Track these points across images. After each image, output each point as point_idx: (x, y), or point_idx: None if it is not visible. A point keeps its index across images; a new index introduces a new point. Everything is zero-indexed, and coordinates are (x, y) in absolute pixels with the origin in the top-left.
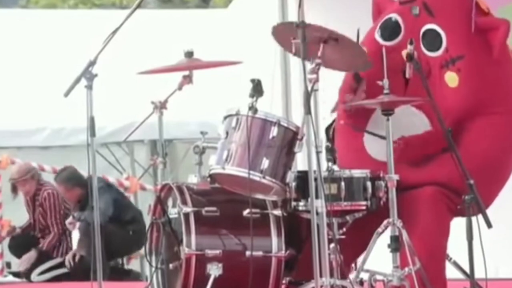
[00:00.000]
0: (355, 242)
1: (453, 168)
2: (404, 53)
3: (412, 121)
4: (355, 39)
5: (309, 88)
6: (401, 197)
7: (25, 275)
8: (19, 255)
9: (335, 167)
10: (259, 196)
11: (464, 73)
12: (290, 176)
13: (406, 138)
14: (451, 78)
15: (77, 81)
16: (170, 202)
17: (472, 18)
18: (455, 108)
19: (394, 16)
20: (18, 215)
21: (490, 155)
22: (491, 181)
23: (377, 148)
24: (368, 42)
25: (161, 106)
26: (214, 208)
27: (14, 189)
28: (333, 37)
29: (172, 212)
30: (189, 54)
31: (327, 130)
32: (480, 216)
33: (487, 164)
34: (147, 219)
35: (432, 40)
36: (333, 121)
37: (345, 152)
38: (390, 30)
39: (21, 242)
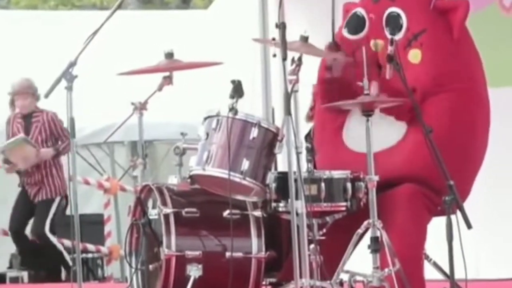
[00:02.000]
0: (335, 243)
1: (429, 162)
2: (372, 42)
3: (386, 133)
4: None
5: (289, 89)
6: (380, 196)
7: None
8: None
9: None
10: (239, 197)
11: (426, 46)
12: (270, 177)
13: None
14: (415, 55)
15: (57, 82)
16: (150, 203)
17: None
18: (419, 82)
19: (358, 10)
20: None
21: (455, 131)
22: (461, 160)
23: (355, 139)
24: (339, 39)
25: (141, 107)
26: (194, 209)
27: (12, 103)
28: None
29: (152, 213)
30: (169, 55)
31: (306, 138)
32: (460, 217)
33: (453, 140)
34: (127, 220)
35: (394, 23)
36: (310, 129)
37: (323, 145)
38: (355, 23)
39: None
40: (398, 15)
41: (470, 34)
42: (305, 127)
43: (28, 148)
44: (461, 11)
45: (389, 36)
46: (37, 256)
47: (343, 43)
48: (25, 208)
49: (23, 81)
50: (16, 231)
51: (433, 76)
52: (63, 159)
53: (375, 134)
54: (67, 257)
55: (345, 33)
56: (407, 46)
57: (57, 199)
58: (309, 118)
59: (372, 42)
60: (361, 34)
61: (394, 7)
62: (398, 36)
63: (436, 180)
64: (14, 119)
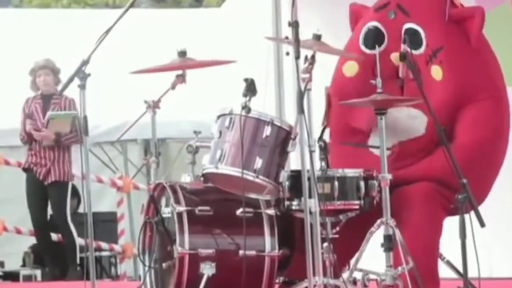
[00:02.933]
0: (348, 241)
1: (446, 163)
2: (393, 56)
3: (411, 123)
4: (347, 39)
5: (302, 88)
6: (394, 194)
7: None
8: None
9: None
10: (253, 195)
11: (445, 63)
12: (284, 176)
13: (402, 143)
14: (436, 71)
15: (70, 80)
16: (163, 202)
17: (446, 11)
18: (444, 101)
19: (374, 23)
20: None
21: (484, 141)
22: (487, 167)
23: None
24: (352, 51)
25: (154, 106)
26: (207, 208)
27: (34, 83)
28: None
29: (165, 212)
30: (182, 54)
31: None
32: (473, 215)
33: (482, 151)
34: (141, 219)
35: (414, 38)
36: (325, 125)
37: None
38: (373, 38)
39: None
40: (416, 32)
41: (487, 41)
42: (318, 126)
43: (68, 126)
44: (478, 19)
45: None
46: (52, 253)
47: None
48: (39, 198)
49: (47, 59)
50: (40, 228)
51: (456, 91)
52: (75, 155)
53: (402, 124)
54: (78, 254)
55: (363, 47)
56: (428, 62)
57: (69, 185)
58: (326, 122)
59: (392, 55)
60: (380, 48)
61: (411, 23)
62: (419, 51)
63: (454, 180)
64: (33, 99)
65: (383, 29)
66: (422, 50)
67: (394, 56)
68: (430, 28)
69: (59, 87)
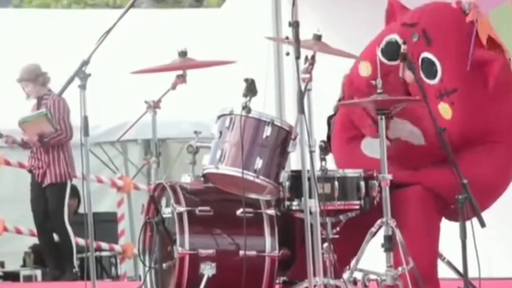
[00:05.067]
0: (348, 241)
1: (442, 176)
2: (401, 50)
3: (410, 133)
4: (347, 39)
5: (303, 88)
6: (392, 195)
7: None
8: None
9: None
10: (253, 195)
11: (457, 106)
12: (284, 176)
13: (403, 141)
14: (445, 110)
15: (71, 80)
16: (163, 202)
17: (470, 53)
18: (451, 141)
19: (396, 37)
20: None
21: (485, 180)
22: (490, 201)
23: (372, 147)
24: (370, 53)
25: (154, 106)
26: (207, 208)
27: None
28: None
29: (166, 212)
30: (183, 54)
31: (329, 118)
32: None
33: (482, 188)
34: (141, 219)
35: (429, 68)
36: (336, 111)
37: (341, 150)
38: (393, 51)
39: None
40: (433, 63)
41: (507, 80)
42: (318, 125)
43: (45, 125)
44: (497, 64)
45: (424, 78)
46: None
47: (374, 59)
48: (40, 199)
49: (21, 70)
50: (42, 229)
51: (462, 135)
52: (74, 155)
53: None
54: (75, 256)
55: (381, 57)
56: (438, 97)
57: (68, 186)
58: (337, 109)
59: (406, 74)
60: (397, 61)
61: (429, 53)
62: (432, 82)
63: (444, 188)
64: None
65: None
66: (436, 81)
67: (406, 74)
68: (449, 64)
69: (49, 85)
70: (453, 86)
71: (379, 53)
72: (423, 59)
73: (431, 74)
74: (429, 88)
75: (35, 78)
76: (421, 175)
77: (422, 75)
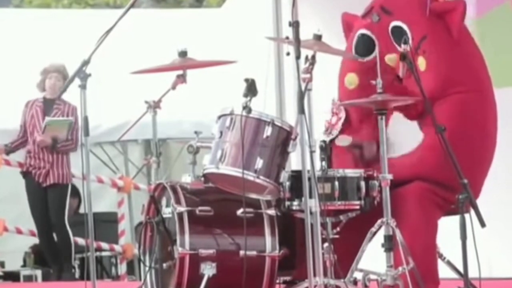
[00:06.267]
0: (348, 241)
1: (437, 161)
2: (387, 58)
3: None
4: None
5: (303, 88)
6: (390, 194)
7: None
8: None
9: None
10: (253, 195)
11: (428, 53)
12: (284, 176)
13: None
14: (421, 63)
15: (71, 80)
16: (164, 202)
17: (428, 5)
18: (427, 89)
19: (362, 31)
20: (10, 214)
21: (465, 133)
22: (472, 161)
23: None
24: (349, 62)
25: (155, 106)
26: (208, 208)
27: (42, 83)
28: None
29: (166, 212)
30: (183, 54)
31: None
32: (473, 215)
33: (463, 142)
34: (141, 219)
35: (400, 34)
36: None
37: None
38: (364, 45)
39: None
40: (400, 27)
41: (471, 35)
42: (318, 125)
43: (64, 132)
44: (458, 11)
45: (399, 48)
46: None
47: (354, 66)
48: (41, 200)
49: (61, 64)
50: (43, 229)
51: (438, 81)
52: (74, 154)
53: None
54: (73, 256)
55: (356, 57)
56: (415, 55)
57: (69, 187)
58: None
59: (387, 58)
60: (373, 54)
61: (395, 21)
62: (408, 47)
63: (448, 179)
64: (35, 102)
65: (371, 35)
66: (409, 44)
67: (389, 58)
68: (413, 22)
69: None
70: (422, 34)
71: (354, 54)
72: (392, 30)
73: (404, 39)
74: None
75: (65, 79)
76: (416, 168)
77: (396, 45)
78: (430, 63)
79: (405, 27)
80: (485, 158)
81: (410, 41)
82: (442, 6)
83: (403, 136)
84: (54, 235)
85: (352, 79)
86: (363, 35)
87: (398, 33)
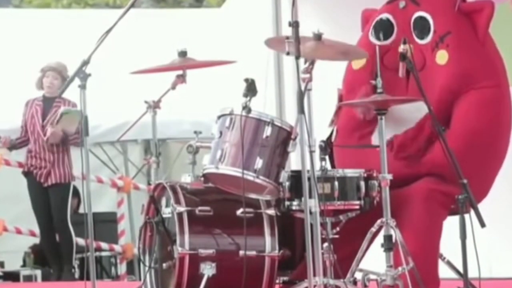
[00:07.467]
0: (348, 241)
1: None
2: (400, 49)
3: (405, 115)
4: (348, 39)
5: (303, 88)
6: (394, 195)
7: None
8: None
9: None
10: (253, 195)
11: (452, 48)
12: (284, 176)
13: (399, 136)
14: (441, 56)
15: (71, 80)
16: (163, 202)
17: (457, 2)
18: (446, 85)
19: (385, 15)
20: (10, 214)
21: (481, 128)
22: (485, 157)
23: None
24: (364, 44)
25: (154, 106)
26: (207, 208)
27: (40, 81)
28: None
29: (166, 212)
30: (183, 54)
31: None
32: (473, 215)
33: (479, 136)
34: (141, 219)
35: (422, 27)
36: (332, 132)
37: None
38: (383, 29)
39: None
40: (425, 19)
41: (491, 36)
42: (318, 126)
43: (74, 125)
44: (486, 12)
45: (417, 40)
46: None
47: (368, 48)
48: (43, 200)
49: (59, 62)
50: (46, 229)
51: (460, 75)
52: (74, 155)
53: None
54: (74, 256)
55: (372, 38)
56: (434, 48)
57: (71, 187)
58: (333, 123)
59: (400, 47)
60: (390, 40)
61: (421, 11)
62: (426, 40)
63: (449, 168)
64: (34, 101)
65: (393, 20)
66: (429, 37)
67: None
68: (439, 15)
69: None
70: (446, 29)
71: (370, 36)
72: (415, 20)
73: (426, 29)
74: (424, 47)
75: (65, 76)
76: (425, 164)
77: (417, 39)
78: (452, 58)
79: (429, 18)
80: (497, 156)
81: (431, 33)
82: (471, 6)
83: (408, 112)
84: (56, 235)
85: (360, 60)
86: (384, 19)
87: (419, 25)
